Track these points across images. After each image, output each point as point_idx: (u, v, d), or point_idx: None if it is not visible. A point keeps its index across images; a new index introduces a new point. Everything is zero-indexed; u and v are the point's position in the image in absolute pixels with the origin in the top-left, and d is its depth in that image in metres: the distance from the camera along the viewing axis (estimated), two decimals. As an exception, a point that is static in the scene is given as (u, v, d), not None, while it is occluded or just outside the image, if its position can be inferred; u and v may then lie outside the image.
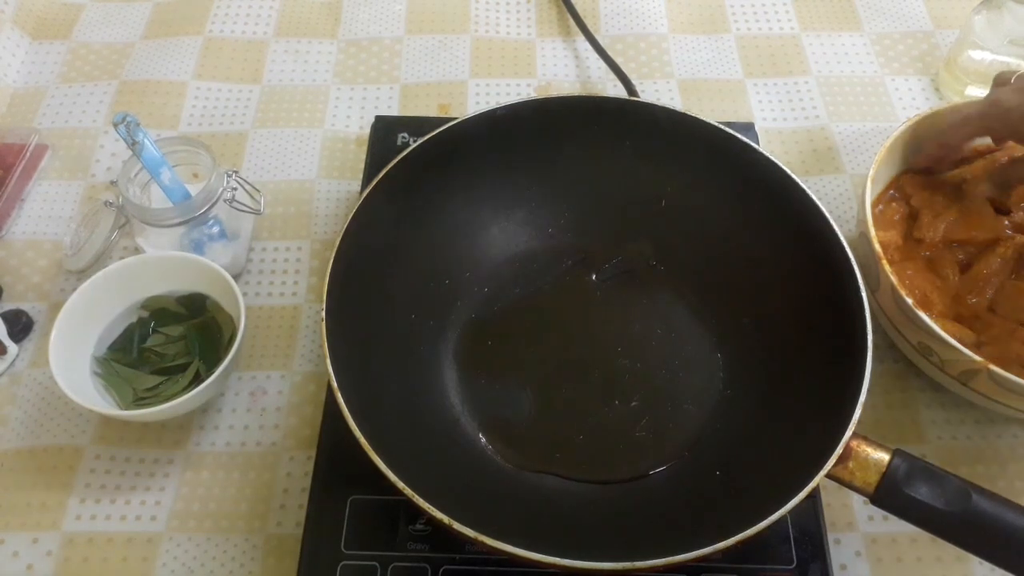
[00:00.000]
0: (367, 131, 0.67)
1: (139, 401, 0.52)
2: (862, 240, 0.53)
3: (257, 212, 0.59)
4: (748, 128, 0.64)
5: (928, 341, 0.49)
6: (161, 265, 0.55)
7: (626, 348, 0.54)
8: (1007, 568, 0.41)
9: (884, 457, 0.42)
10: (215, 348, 0.54)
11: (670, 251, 0.57)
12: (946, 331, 0.48)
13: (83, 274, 0.59)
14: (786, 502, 0.40)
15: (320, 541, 0.47)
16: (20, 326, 0.57)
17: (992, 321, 0.52)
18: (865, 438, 0.43)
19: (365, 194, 0.51)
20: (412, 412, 0.50)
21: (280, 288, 0.60)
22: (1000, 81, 0.55)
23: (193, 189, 0.57)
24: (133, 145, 0.55)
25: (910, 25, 0.76)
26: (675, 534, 0.42)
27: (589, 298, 0.57)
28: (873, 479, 0.42)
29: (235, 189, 0.58)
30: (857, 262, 0.48)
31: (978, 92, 0.67)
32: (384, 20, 0.76)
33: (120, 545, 0.50)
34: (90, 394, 0.51)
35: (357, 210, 0.50)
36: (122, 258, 0.57)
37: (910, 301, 0.49)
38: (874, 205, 0.57)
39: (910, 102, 0.70)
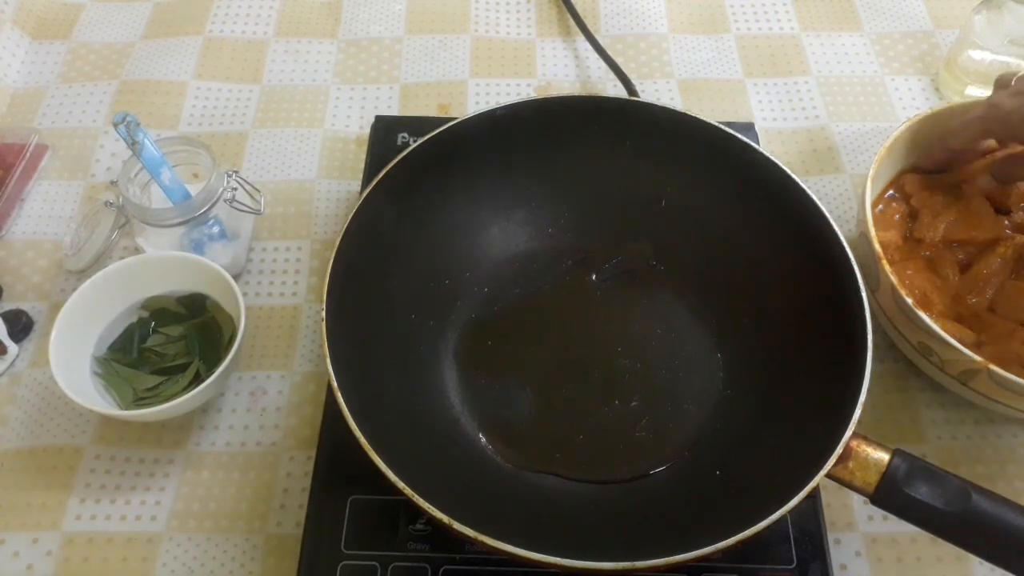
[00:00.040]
0: (367, 131, 0.67)
1: (139, 401, 0.52)
2: (862, 240, 0.53)
3: (257, 212, 0.59)
4: (748, 128, 0.64)
5: (928, 341, 0.49)
6: (161, 265, 0.55)
7: (626, 348, 0.54)
8: (1007, 568, 0.41)
9: (884, 457, 0.42)
10: (215, 348, 0.54)
11: (670, 251, 0.57)
12: (946, 331, 0.48)
13: (83, 274, 0.59)
14: (786, 502, 0.40)
15: (320, 541, 0.47)
16: (20, 326, 0.57)
17: (992, 321, 0.52)
18: (865, 438, 0.43)
19: (365, 194, 0.51)
20: (412, 412, 0.50)
21: (280, 288, 0.60)
22: (1001, 84, 0.55)
23: (193, 189, 0.57)
24: (133, 145, 0.55)
25: (910, 25, 0.76)
26: (675, 534, 0.42)
27: (589, 298, 0.57)
28: (873, 479, 0.42)
29: (235, 189, 0.58)
30: (857, 262, 0.48)
31: (978, 92, 0.67)
32: (384, 20, 0.76)
33: (120, 545, 0.50)
34: (90, 394, 0.51)
35: (357, 210, 0.50)
36: (122, 258, 0.57)
37: (910, 301, 0.49)
38: (874, 205, 0.57)
39: (910, 102, 0.70)
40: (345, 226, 0.49)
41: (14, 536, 0.50)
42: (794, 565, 0.46)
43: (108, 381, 0.53)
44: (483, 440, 0.51)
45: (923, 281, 0.53)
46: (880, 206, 0.58)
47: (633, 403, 0.52)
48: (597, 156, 0.57)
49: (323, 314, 0.46)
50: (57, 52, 0.74)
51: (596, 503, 0.48)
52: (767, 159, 0.52)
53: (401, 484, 0.40)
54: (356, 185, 0.65)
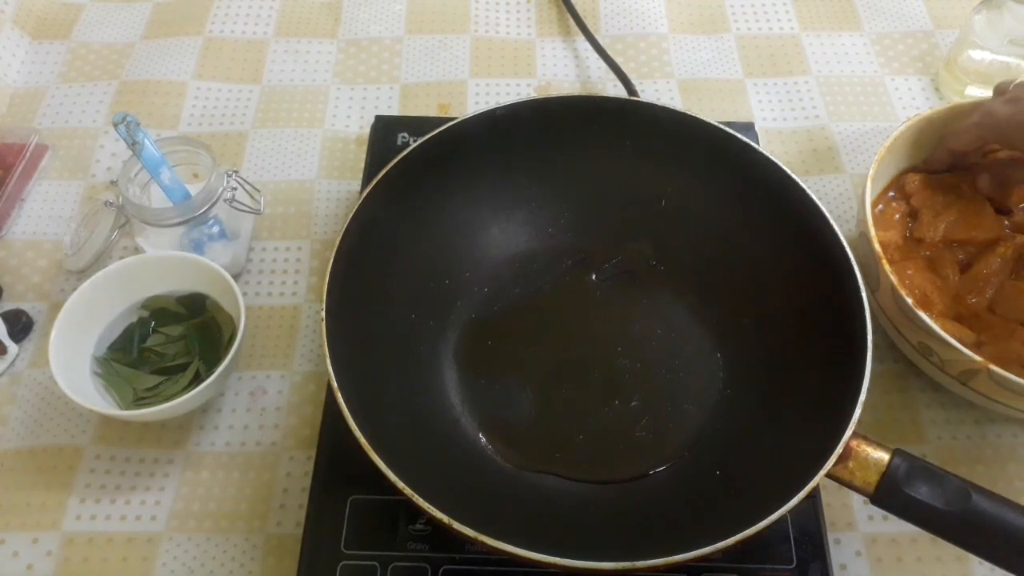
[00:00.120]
0: (367, 131, 0.67)
1: (139, 401, 0.52)
2: (862, 240, 0.53)
3: (257, 212, 0.59)
4: (748, 128, 0.64)
5: (928, 341, 0.49)
6: (161, 265, 0.55)
7: (626, 348, 0.54)
8: (1007, 568, 0.41)
9: (884, 457, 0.42)
10: (215, 348, 0.54)
11: (670, 251, 0.57)
12: (946, 331, 0.48)
13: (83, 274, 0.59)
14: (786, 502, 0.40)
15: (320, 541, 0.47)
16: (20, 326, 0.57)
17: (992, 321, 0.52)
18: (865, 438, 0.43)
19: (365, 194, 0.51)
20: (412, 412, 0.50)
21: (280, 288, 0.60)
22: (999, 90, 0.55)
23: (193, 189, 0.57)
24: (133, 145, 0.55)
25: (910, 25, 0.76)
26: (675, 534, 0.42)
27: (589, 298, 0.57)
28: (873, 479, 0.42)
29: (235, 189, 0.58)
30: (857, 262, 0.48)
31: (978, 92, 0.67)
32: (384, 20, 0.76)
33: (120, 545, 0.50)
34: (90, 394, 0.51)
35: (357, 210, 0.50)
36: (122, 258, 0.57)
37: (910, 301, 0.49)
38: (874, 205, 0.57)
39: (910, 102, 0.70)
40: (345, 226, 0.49)
41: (14, 536, 0.50)
42: (794, 565, 0.46)
43: (108, 381, 0.53)
44: (483, 440, 0.51)
45: (923, 281, 0.53)
46: (880, 206, 0.58)
47: (633, 403, 0.52)
48: (597, 156, 0.57)
49: (323, 314, 0.46)
50: (57, 52, 0.74)
51: (596, 503, 0.48)
52: (767, 159, 0.52)
53: (401, 484, 0.40)
54: (356, 185, 0.65)
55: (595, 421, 0.51)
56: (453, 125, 0.54)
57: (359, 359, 0.47)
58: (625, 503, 0.48)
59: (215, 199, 0.56)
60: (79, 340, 0.53)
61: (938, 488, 0.41)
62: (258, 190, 0.60)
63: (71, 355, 0.52)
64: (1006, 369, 0.46)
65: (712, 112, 0.69)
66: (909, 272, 0.53)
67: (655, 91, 0.71)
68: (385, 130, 0.64)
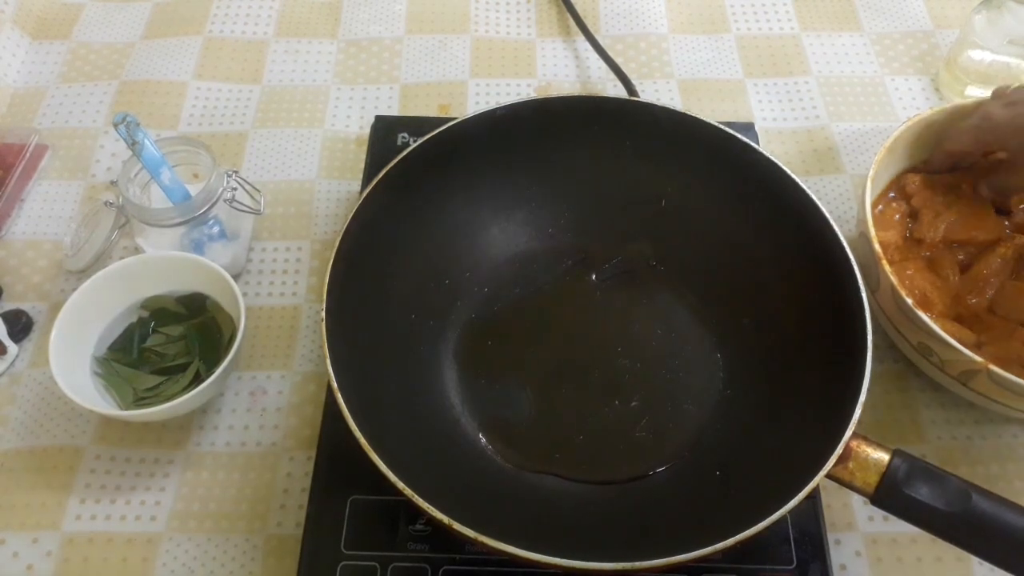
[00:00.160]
0: (367, 131, 0.67)
1: (139, 401, 0.52)
2: (862, 240, 0.53)
3: (257, 212, 0.59)
4: (748, 128, 0.64)
5: (928, 341, 0.49)
6: (161, 265, 0.55)
7: (626, 348, 0.54)
8: (1007, 568, 0.41)
9: (884, 457, 0.42)
10: (215, 348, 0.54)
11: (670, 251, 0.57)
12: (946, 331, 0.48)
13: (83, 274, 0.59)
14: (786, 502, 0.40)
15: (320, 541, 0.47)
16: (20, 326, 0.57)
17: (992, 321, 0.52)
18: (865, 438, 0.43)
19: (365, 194, 0.51)
20: (412, 412, 0.50)
21: (280, 288, 0.60)
22: (997, 95, 0.55)
23: (193, 189, 0.57)
24: (133, 145, 0.55)
25: (910, 25, 0.76)
26: (675, 534, 0.42)
27: (589, 298, 0.57)
28: (873, 479, 0.42)
29: (235, 189, 0.58)
30: (857, 262, 0.48)
31: (978, 92, 0.67)
32: (384, 20, 0.76)
33: (120, 545, 0.50)
34: (90, 394, 0.51)
35: (357, 210, 0.50)
36: (122, 258, 0.57)
37: (910, 301, 0.49)
38: (874, 205, 0.57)
39: (910, 102, 0.70)
40: (345, 226, 0.49)
41: (14, 536, 0.50)
42: (794, 565, 0.46)
43: (108, 381, 0.53)
44: (483, 440, 0.51)
45: (923, 281, 0.53)
46: (880, 206, 0.58)
47: (633, 403, 0.52)
48: (597, 156, 0.57)
49: (323, 314, 0.46)
50: (57, 52, 0.74)
51: (596, 503, 0.48)
52: (767, 159, 0.52)
53: (401, 484, 0.40)
54: (356, 185, 0.65)
55: (595, 421, 0.51)
56: (453, 125, 0.54)
57: (359, 359, 0.47)
58: (625, 503, 0.48)
59: (215, 199, 0.56)
60: (79, 340, 0.53)
61: (938, 489, 0.41)
62: (258, 190, 0.60)
63: (71, 355, 0.52)
64: (1006, 369, 0.46)
65: (712, 112, 0.69)
66: (909, 272, 0.53)
67: (655, 91, 0.71)
68: (385, 130, 0.64)
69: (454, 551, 0.46)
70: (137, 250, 0.60)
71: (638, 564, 0.38)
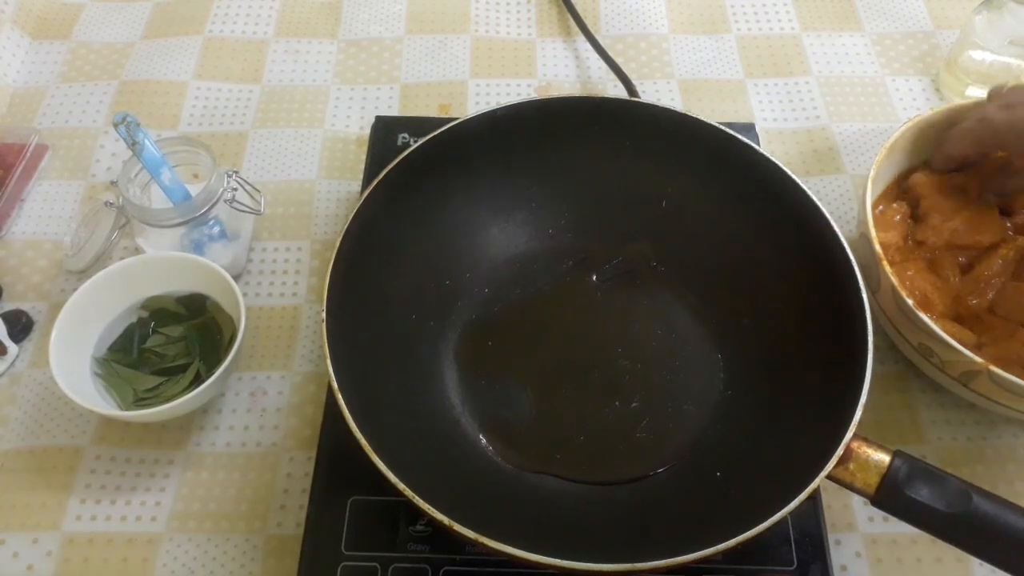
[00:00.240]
0: (367, 131, 0.67)
1: (139, 402, 0.52)
2: (862, 241, 0.53)
3: (257, 212, 0.59)
4: (748, 128, 0.64)
5: (928, 342, 0.49)
6: (161, 265, 0.55)
7: (626, 349, 0.54)
8: (1008, 570, 0.41)
9: (885, 458, 0.42)
10: (215, 349, 0.54)
11: (670, 251, 0.57)
12: (946, 332, 0.48)
13: (83, 274, 0.59)
14: (787, 503, 0.40)
15: (320, 542, 0.47)
16: (20, 326, 0.57)
17: (993, 322, 0.52)
18: (866, 439, 0.43)
19: (366, 194, 0.51)
20: (412, 413, 0.50)
21: (280, 288, 0.60)
22: (994, 95, 0.55)
23: (193, 189, 0.57)
24: (133, 145, 0.55)
25: (911, 25, 0.76)
26: (676, 535, 0.42)
27: (589, 299, 0.57)
28: (874, 480, 0.42)
29: (235, 189, 0.58)
30: (857, 263, 0.48)
31: (979, 92, 0.67)
32: (384, 20, 0.76)
33: (120, 546, 0.50)
34: (90, 394, 0.51)
35: (358, 210, 0.50)
36: (122, 258, 0.57)
37: (911, 302, 0.49)
38: (875, 206, 0.57)
39: (911, 102, 0.70)
40: (346, 226, 0.49)
41: (14, 536, 0.50)
42: (794, 566, 0.46)
43: (108, 382, 0.53)
44: (483, 441, 0.51)
45: (923, 282, 0.53)
46: (881, 207, 0.58)
47: (633, 404, 0.52)
48: (597, 156, 0.57)
49: (323, 315, 0.46)
50: (57, 52, 0.74)
51: (596, 504, 0.48)
52: (767, 160, 0.52)
53: (401, 485, 0.40)
54: (356, 185, 0.65)
55: (595, 422, 0.51)
56: (454, 126, 0.54)
57: (359, 360, 0.47)
58: (626, 504, 0.48)
59: (215, 199, 0.56)
60: (79, 340, 0.53)
61: (939, 490, 0.41)
62: (258, 190, 0.60)
63: (71, 355, 0.52)
64: (1007, 370, 0.46)
65: (712, 112, 0.69)
66: (909, 273, 0.53)
67: (655, 91, 0.71)
68: (385, 130, 0.64)
69: (454, 552, 0.46)
70: (137, 250, 0.60)
71: (638, 565, 0.38)
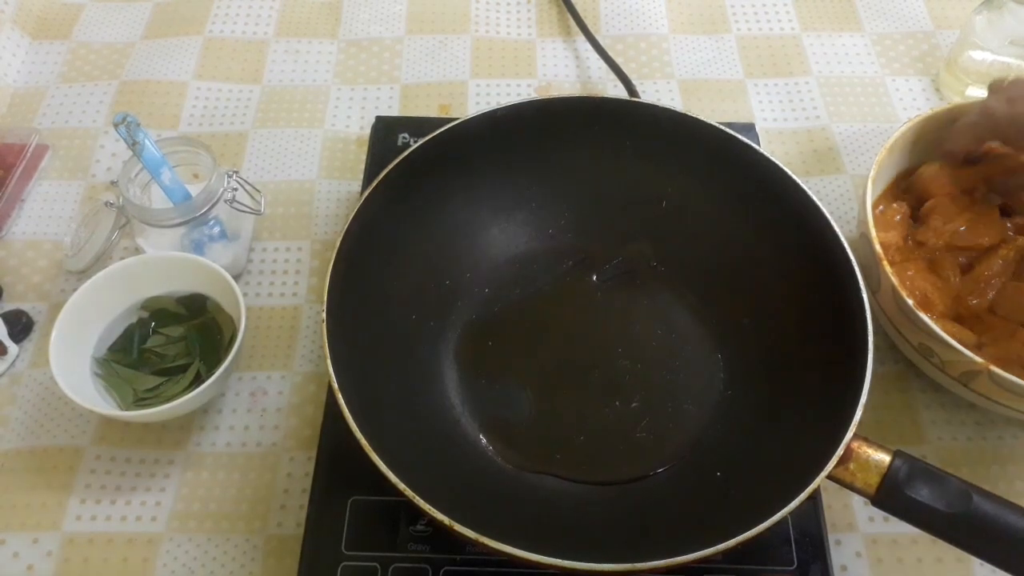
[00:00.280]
0: (367, 131, 0.67)
1: (139, 402, 0.52)
2: (863, 241, 0.53)
3: (257, 212, 0.59)
4: (749, 128, 0.64)
5: (929, 342, 0.49)
6: (161, 265, 0.55)
7: (626, 349, 0.54)
8: (1008, 570, 0.41)
9: (885, 458, 0.42)
10: (215, 349, 0.54)
11: (670, 252, 0.57)
12: (947, 332, 0.48)
13: (83, 274, 0.59)
14: (787, 503, 0.40)
15: (321, 542, 0.47)
16: (20, 326, 0.57)
17: (993, 322, 0.52)
18: (866, 439, 0.43)
19: (366, 194, 0.51)
20: (412, 412, 0.50)
21: (280, 288, 0.60)
22: (994, 89, 0.55)
23: (193, 189, 0.57)
24: (133, 145, 0.55)
25: (911, 25, 0.76)
26: (676, 535, 0.42)
27: (589, 299, 0.57)
28: (874, 480, 0.42)
29: (235, 189, 0.58)
30: (858, 263, 0.48)
31: (979, 93, 0.67)
32: (384, 20, 0.76)
33: (120, 546, 0.50)
34: (90, 394, 0.51)
35: (358, 210, 0.50)
36: (122, 258, 0.57)
37: (911, 302, 0.49)
38: (875, 206, 0.57)
39: (911, 102, 0.70)
40: (346, 226, 0.49)
41: (14, 536, 0.50)
42: (795, 566, 0.46)
43: (108, 382, 0.53)
44: (483, 441, 0.51)
45: (924, 282, 0.53)
46: (881, 207, 0.58)
47: (633, 404, 0.52)
48: (597, 156, 0.57)
49: (323, 315, 0.46)
50: (57, 52, 0.74)
51: (596, 504, 0.48)
52: (768, 160, 0.52)
53: (402, 485, 0.40)
54: (356, 186, 0.65)
55: (595, 422, 0.51)
56: (454, 126, 0.54)
57: (360, 360, 0.47)
58: (626, 504, 0.48)
59: (215, 199, 0.56)
60: (79, 341, 0.53)
61: (939, 490, 0.41)
62: (258, 190, 0.60)
63: (71, 356, 0.52)
64: (1007, 370, 0.46)
65: (712, 112, 0.69)
66: (910, 273, 0.53)
67: (655, 91, 0.71)
68: (385, 131, 0.64)
69: (455, 552, 0.46)
70: (137, 250, 0.60)
71: (638, 565, 0.38)
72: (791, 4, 0.77)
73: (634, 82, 0.70)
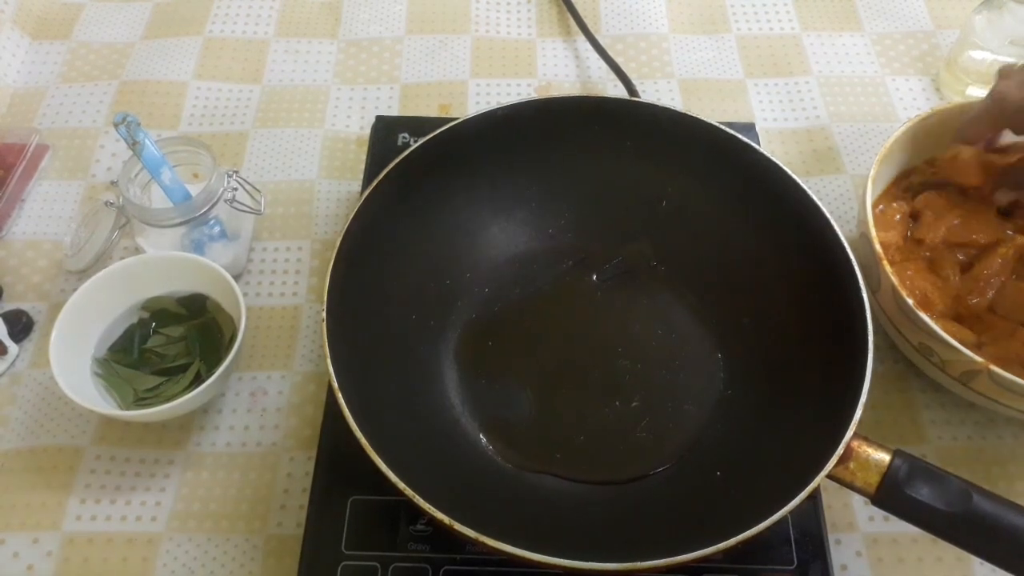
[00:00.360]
0: (367, 131, 0.67)
1: (140, 402, 0.52)
2: (863, 240, 0.53)
3: (257, 212, 0.59)
4: (749, 128, 0.64)
5: (929, 342, 0.49)
6: (161, 265, 0.55)
7: (626, 348, 0.54)
8: (1008, 569, 0.41)
9: (885, 458, 0.42)
10: (216, 349, 0.54)
11: (670, 251, 0.57)
12: (946, 332, 0.48)
13: (83, 274, 0.59)
14: (787, 503, 0.40)
15: (321, 542, 0.47)
16: (20, 326, 0.57)
17: (993, 321, 0.52)
18: (866, 439, 0.43)
19: (366, 194, 0.51)
20: (412, 412, 0.50)
21: (281, 288, 0.60)
22: (1004, 74, 0.54)
23: (193, 189, 0.57)
24: (133, 145, 0.55)
25: (911, 25, 0.76)
26: (676, 534, 0.42)
27: (589, 298, 0.57)
28: (874, 480, 0.42)
29: (235, 189, 0.58)
30: (858, 262, 0.48)
31: (979, 92, 0.67)
32: (384, 20, 0.76)
33: (120, 545, 0.50)
34: (90, 394, 0.51)
35: (358, 210, 0.50)
36: (123, 258, 0.57)
37: (911, 301, 0.49)
38: (875, 205, 0.57)
39: (911, 102, 0.70)
40: (346, 226, 0.49)
41: (14, 536, 0.50)
42: (795, 566, 0.46)
43: (108, 382, 0.53)
44: (483, 440, 0.51)
45: (924, 282, 0.53)
46: (881, 206, 0.58)
47: (633, 403, 0.52)
48: (597, 156, 0.57)
49: (324, 314, 0.46)
50: (57, 52, 0.74)
51: (597, 503, 0.48)
52: (768, 159, 0.52)
53: (402, 485, 0.40)
54: (356, 185, 0.65)
55: (595, 421, 0.51)
56: (454, 125, 0.54)
57: (360, 359, 0.47)
58: (626, 503, 0.48)
59: (216, 199, 0.56)
60: (79, 341, 0.53)
61: (939, 489, 0.41)
62: (258, 190, 0.60)
63: (71, 355, 0.52)
64: (1007, 370, 0.46)
65: (713, 112, 0.69)
66: (910, 273, 0.53)
67: (655, 91, 0.71)
68: (386, 130, 0.64)
69: (455, 551, 0.46)
70: (137, 250, 0.60)
71: (638, 564, 0.38)
72: (791, 4, 0.77)
73: (634, 82, 0.70)
